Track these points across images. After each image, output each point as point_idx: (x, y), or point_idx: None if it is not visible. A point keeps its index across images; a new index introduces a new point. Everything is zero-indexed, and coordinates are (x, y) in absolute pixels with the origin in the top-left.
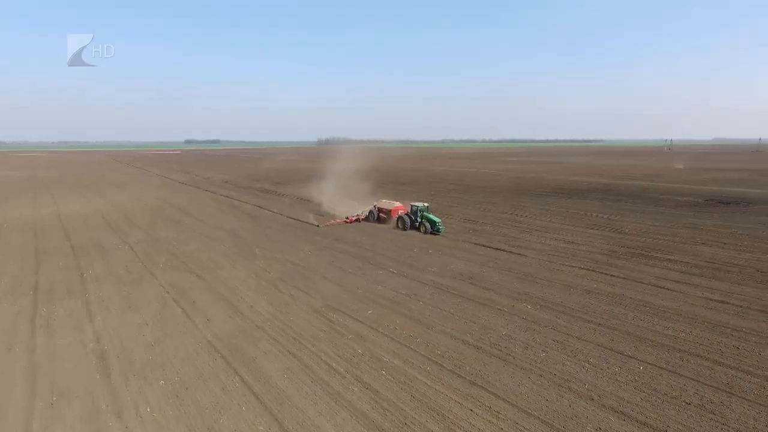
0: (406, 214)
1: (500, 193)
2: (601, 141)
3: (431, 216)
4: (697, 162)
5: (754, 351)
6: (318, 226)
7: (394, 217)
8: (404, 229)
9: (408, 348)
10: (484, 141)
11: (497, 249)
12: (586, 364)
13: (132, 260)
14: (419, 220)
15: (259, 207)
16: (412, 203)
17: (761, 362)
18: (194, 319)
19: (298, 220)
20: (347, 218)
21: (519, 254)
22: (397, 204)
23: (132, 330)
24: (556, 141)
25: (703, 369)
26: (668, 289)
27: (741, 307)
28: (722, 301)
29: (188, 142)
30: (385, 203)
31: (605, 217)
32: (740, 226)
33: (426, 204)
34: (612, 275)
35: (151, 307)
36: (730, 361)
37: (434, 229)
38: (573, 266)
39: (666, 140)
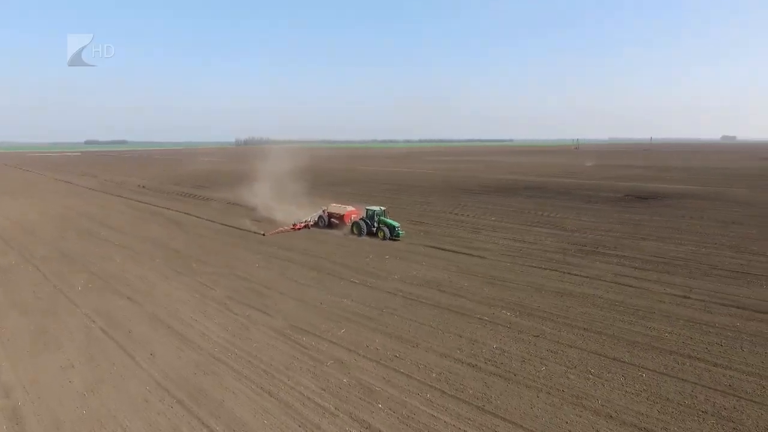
0: (362, 219)
1: (435, 193)
2: (511, 140)
3: (389, 220)
4: (603, 160)
5: (735, 347)
6: (264, 234)
7: (348, 223)
8: (360, 235)
9: (398, 372)
10: (405, 141)
11: (454, 252)
12: (590, 376)
13: (40, 283)
14: (376, 225)
15: (186, 214)
16: (368, 207)
17: (749, 359)
18: (134, 354)
19: (235, 227)
20: (294, 225)
21: (478, 256)
22: (350, 208)
23: (54, 376)
24: (469, 141)
25: (702, 371)
26: (631, 286)
27: (704, 301)
28: (685, 296)
29: (89, 142)
30: (337, 208)
31: (544, 214)
32: (666, 220)
33: (383, 208)
34: (574, 274)
35: (76, 343)
36: (721, 361)
37: (393, 235)
38: (534, 266)
39: (573, 140)
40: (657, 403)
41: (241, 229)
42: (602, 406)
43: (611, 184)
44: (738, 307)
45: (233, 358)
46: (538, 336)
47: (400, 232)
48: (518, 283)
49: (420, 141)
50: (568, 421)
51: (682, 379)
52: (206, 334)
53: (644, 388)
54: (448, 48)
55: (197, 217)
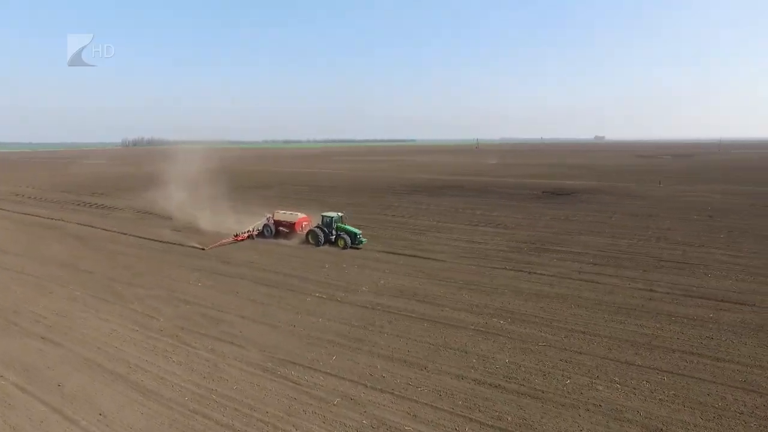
0: (318, 227)
1: (359, 193)
2: (413, 140)
3: (348, 227)
4: (504, 159)
5: (725, 339)
6: (204, 249)
7: (299, 231)
8: (318, 244)
9: (421, 404)
10: (309, 141)
11: (410, 256)
12: (617, 386)
13: None
14: (335, 232)
15: (89, 227)
16: (324, 213)
17: (745, 351)
18: (77, 418)
19: (156, 240)
20: (237, 236)
21: (436, 260)
22: (301, 215)
23: None
24: (373, 141)
25: (712, 368)
26: (598, 282)
27: (669, 294)
28: (651, 290)
29: None
30: (285, 215)
31: (477, 213)
32: (589, 215)
33: (340, 213)
34: (540, 273)
35: None
36: (722, 355)
37: (355, 242)
38: (497, 267)
39: (473, 139)
40: (695, 409)
41: (164, 242)
42: (647, 419)
43: (523, 181)
44: (701, 298)
45: (215, 408)
46: (544, 345)
47: (363, 240)
48: (492, 286)
49: (325, 141)
50: None
51: (701, 379)
52: (167, 378)
53: (674, 393)
54: (341, 48)
55: (105, 229)
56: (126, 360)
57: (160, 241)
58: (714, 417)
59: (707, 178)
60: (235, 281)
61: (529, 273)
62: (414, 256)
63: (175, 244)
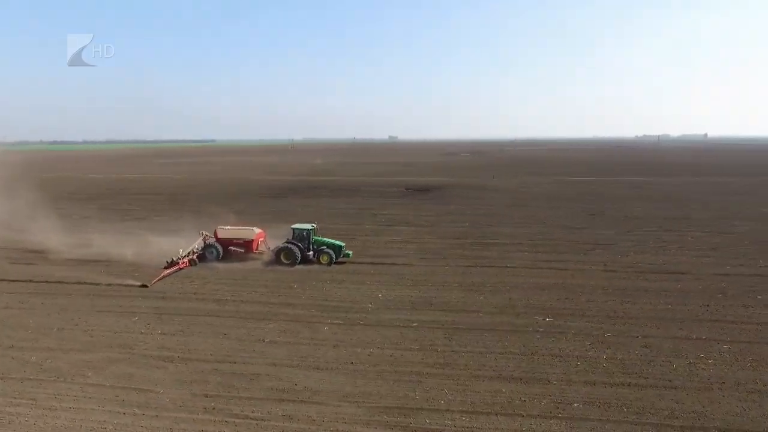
0: (290, 243)
1: (233, 200)
2: (213, 141)
3: (328, 240)
4: (328, 158)
5: (719, 305)
6: (148, 286)
7: (256, 250)
8: (294, 263)
9: (561, 419)
10: (86, 142)
11: (373, 264)
12: (716, 362)
13: None
14: (314, 247)
15: None
16: (294, 227)
17: (740, 312)
18: None
19: (45, 281)
20: (171, 263)
21: (404, 264)
22: (257, 230)
23: None
24: (169, 141)
25: (741, 331)
26: (566, 269)
27: (626, 272)
28: (610, 270)
29: None
30: (233, 231)
31: (381, 213)
32: (473, 209)
33: (313, 225)
34: (511, 267)
35: None
36: (731, 318)
37: (341, 256)
38: (470, 266)
39: (288, 139)
40: None
41: (48, 282)
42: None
43: (377, 180)
44: (653, 272)
45: None
46: (609, 335)
47: (348, 252)
48: (493, 285)
49: (108, 142)
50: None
51: (748, 342)
52: None
53: (754, 358)
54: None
55: None
56: None
57: (83, 283)
58: None
59: (527, 171)
60: (211, 321)
61: (500, 268)
62: (377, 263)
63: (126, 285)
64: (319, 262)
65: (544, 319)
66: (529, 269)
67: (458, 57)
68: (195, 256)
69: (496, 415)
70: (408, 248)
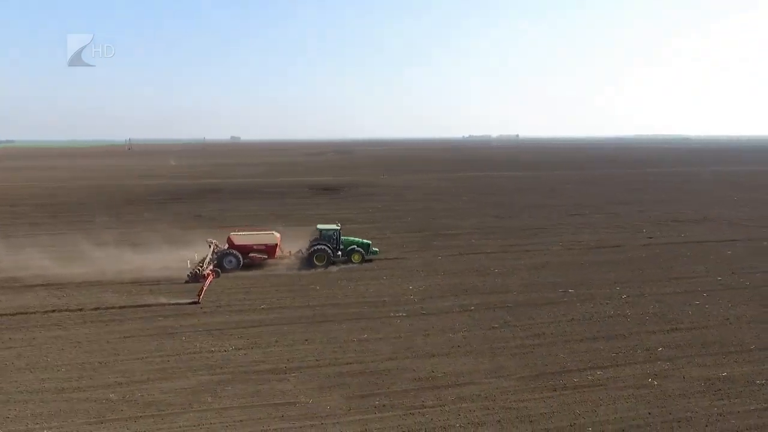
0: (323, 245)
1: (115, 208)
2: (11, 141)
3: (356, 239)
4: (183, 160)
5: (689, 264)
6: (199, 302)
7: (276, 255)
8: (326, 265)
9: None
10: None
11: (370, 260)
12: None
13: None
14: (343, 247)
15: None
16: (320, 227)
17: (713, 268)
18: None
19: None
20: (196, 274)
21: (398, 258)
22: (276, 234)
23: None
24: None
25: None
26: (538, 251)
27: (580, 248)
28: (569, 248)
29: None
30: (253, 236)
31: (307, 213)
32: (391, 205)
33: (338, 225)
34: (491, 252)
35: None
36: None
37: (370, 253)
38: (454, 255)
39: (126, 140)
40: None
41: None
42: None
43: (274, 181)
44: (599, 248)
45: None
46: (626, 296)
47: (375, 250)
48: (496, 268)
49: None
50: None
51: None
52: None
53: None
54: None
55: None
56: None
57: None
58: None
59: (405, 170)
60: (282, 329)
61: (487, 253)
62: (370, 260)
63: (173, 305)
64: (350, 262)
65: (566, 291)
66: (506, 253)
67: (301, 59)
68: (213, 266)
69: (612, 367)
70: (381, 244)
